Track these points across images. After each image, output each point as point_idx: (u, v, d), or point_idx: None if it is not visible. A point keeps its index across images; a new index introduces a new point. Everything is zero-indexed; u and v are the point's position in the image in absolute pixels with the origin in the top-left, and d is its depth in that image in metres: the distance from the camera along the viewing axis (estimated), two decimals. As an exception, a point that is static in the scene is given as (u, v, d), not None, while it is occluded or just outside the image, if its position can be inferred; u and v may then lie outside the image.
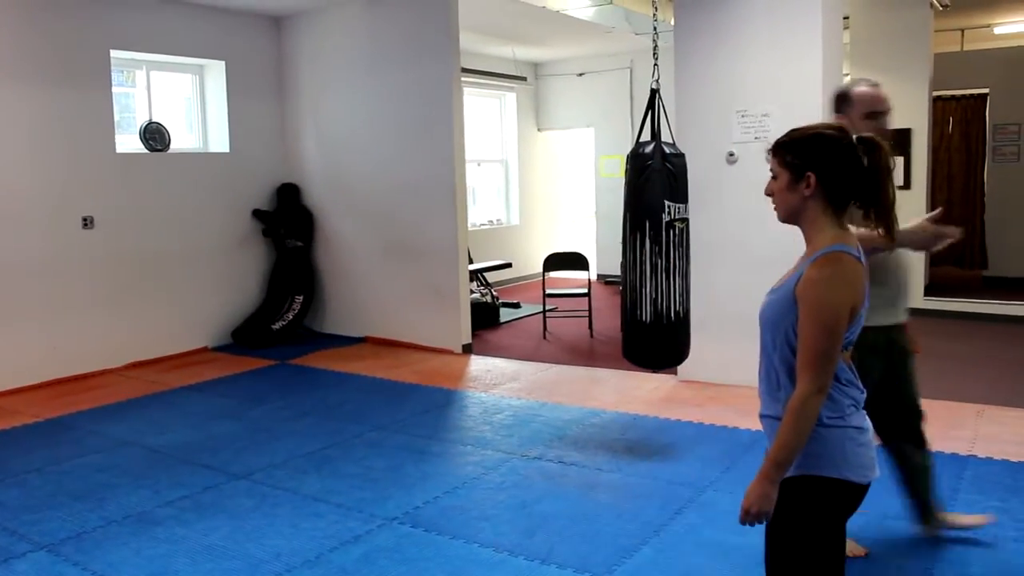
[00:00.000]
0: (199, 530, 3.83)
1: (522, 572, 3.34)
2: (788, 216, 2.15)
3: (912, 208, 8.30)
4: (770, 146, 2.17)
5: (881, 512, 3.64)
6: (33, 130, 6.49)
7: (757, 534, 3.58)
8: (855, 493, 2.07)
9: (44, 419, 5.71)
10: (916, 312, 8.56)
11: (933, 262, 9.00)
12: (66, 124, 6.66)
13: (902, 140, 8.34)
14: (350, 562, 3.47)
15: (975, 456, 4.48)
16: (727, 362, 5.87)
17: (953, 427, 4.95)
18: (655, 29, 4.90)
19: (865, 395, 2.14)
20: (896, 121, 8.27)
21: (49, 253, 6.61)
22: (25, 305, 6.49)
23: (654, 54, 4.79)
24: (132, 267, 7.14)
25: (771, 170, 2.15)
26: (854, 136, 2.09)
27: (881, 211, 2.10)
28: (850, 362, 2.11)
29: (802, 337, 1.99)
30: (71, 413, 5.79)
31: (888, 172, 2.09)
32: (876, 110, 3.20)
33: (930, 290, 8.51)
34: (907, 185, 8.36)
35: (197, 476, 4.52)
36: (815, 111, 5.42)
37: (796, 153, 2.08)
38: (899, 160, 8.36)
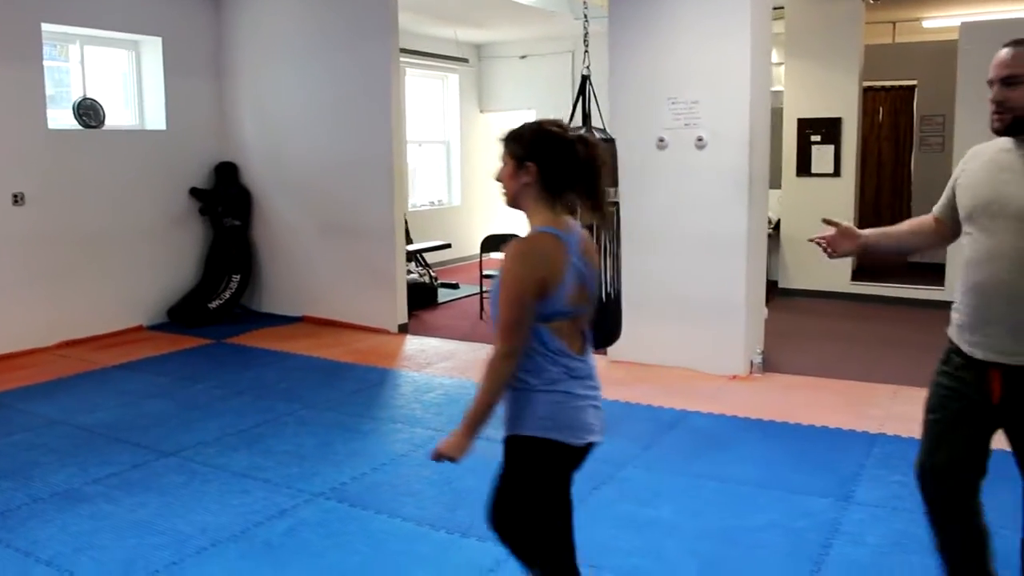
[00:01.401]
0: (126, 506, 3.87)
1: (442, 544, 3.45)
2: (512, 200, 2.37)
3: (840, 194, 8.59)
4: (501, 137, 2.38)
5: (788, 487, 3.80)
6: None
7: (669, 508, 3.75)
8: (566, 453, 2.32)
9: (-28, 397, 5.67)
10: (842, 296, 8.82)
11: (861, 248, 9.26)
12: (-5, 98, 6.57)
13: (832, 129, 8.57)
14: (275, 536, 3.55)
15: (884, 434, 4.68)
16: (657, 343, 6.03)
17: (867, 406, 5.17)
18: (585, 17, 5.01)
19: (588, 366, 2.37)
20: (827, 110, 8.58)
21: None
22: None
23: (584, 41, 4.90)
24: (64, 245, 7.07)
25: (500, 159, 2.36)
26: (573, 133, 2.32)
27: (595, 201, 2.33)
28: (571, 334, 2.32)
29: (498, 307, 2.21)
30: None
31: (600, 167, 2.32)
32: None
33: (857, 275, 8.78)
34: (837, 172, 8.60)
35: (127, 454, 4.54)
36: (742, 98, 5.59)
37: (520, 145, 2.31)
38: (829, 148, 8.60)
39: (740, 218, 5.67)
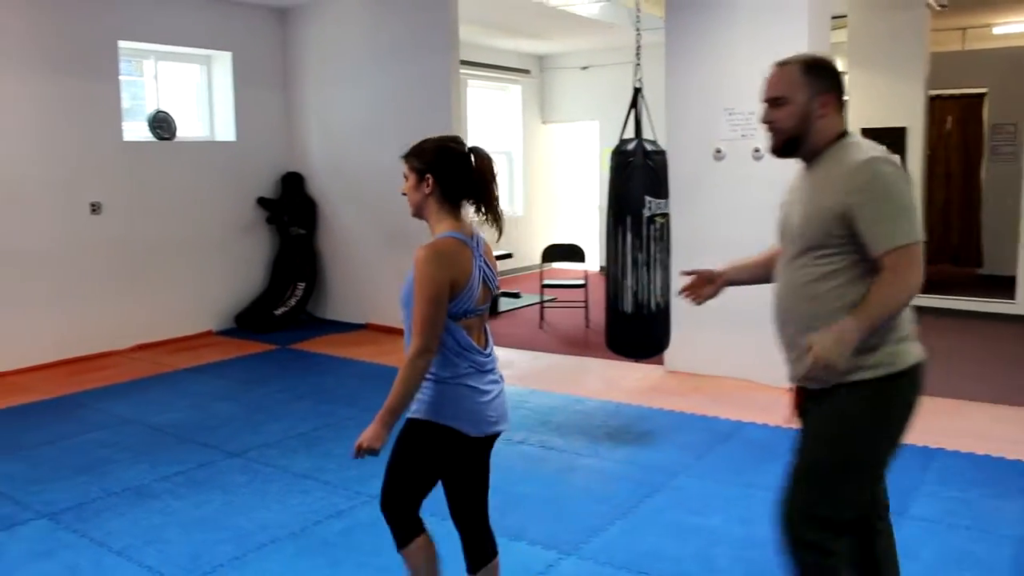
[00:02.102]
0: (193, 503, 4.03)
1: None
2: (415, 211, 2.58)
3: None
4: (403, 154, 2.61)
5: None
6: (44, 118, 6.70)
7: (719, 517, 3.77)
8: (466, 442, 2.51)
9: (53, 396, 5.94)
10: (911, 309, 8.67)
11: (929, 260, 9.09)
12: (75, 112, 6.87)
13: (897, 139, 8.45)
14: (331, 535, 3.67)
15: (943, 449, 4.62)
16: (713, 354, 6.03)
17: (926, 420, 5.09)
18: (638, 30, 5.06)
19: (491, 360, 2.56)
20: (892, 119, 8.45)
21: (59, 238, 6.83)
22: (37, 288, 6.72)
23: (637, 53, 4.95)
24: (139, 252, 7.35)
25: (404, 174, 2.58)
26: (467, 148, 2.55)
27: (489, 207, 2.55)
28: (477, 330, 2.53)
29: (414, 307, 2.38)
30: (78, 391, 6.02)
31: (492, 177, 2.55)
32: None
33: (926, 288, 8.62)
34: (902, 183, 8.47)
35: (194, 453, 4.72)
36: (800, 110, 5.56)
37: (420, 160, 2.53)
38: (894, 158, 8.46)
39: (797, 228, 5.64)
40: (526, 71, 11.80)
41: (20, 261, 6.64)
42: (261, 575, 3.37)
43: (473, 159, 2.53)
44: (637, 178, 4.58)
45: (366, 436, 2.43)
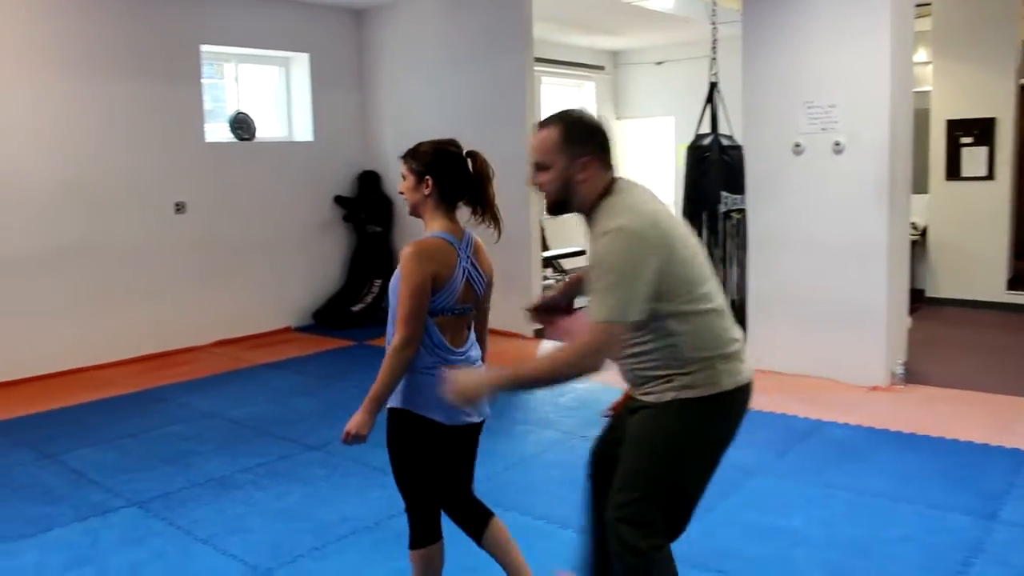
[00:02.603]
0: (273, 494, 4.13)
1: (570, 543, 3.51)
2: (412, 210, 2.71)
3: (994, 198, 8.18)
4: (402, 155, 2.72)
5: (925, 499, 3.69)
6: (131, 120, 6.93)
7: (799, 518, 3.69)
8: (441, 430, 2.63)
9: (138, 390, 6.14)
10: (996, 306, 8.38)
11: (1018, 255, 8.80)
12: (160, 115, 7.08)
13: (986, 130, 8.19)
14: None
15: (1035, 450, 4.48)
16: (793, 351, 5.92)
17: (1017, 422, 4.93)
18: (714, 24, 4.99)
19: (465, 359, 2.68)
20: (980, 110, 8.18)
21: (145, 236, 7.05)
22: (123, 285, 6.96)
23: (712, 47, 4.89)
24: (221, 250, 7.54)
25: (402, 174, 2.70)
26: (464, 151, 2.69)
27: (485, 207, 2.74)
28: (455, 329, 2.65)
29: (399, 300, 2.52)
30: (162, 386, 6.20)
31: (488, 179, 2.73)
32: None
33: (1013, 283, 8.35)
34: (990, 175, 8.21)
35: (274, 446, 4.83)
36: (882, 100, 5.43)
37: (419, 161, 2.65)
38: (982, 150, 8.21)
39: (880, 223, 5.51)
40: (600, 67, 11.75)
41: (107, 258, 6.88)
42: (340, 566, 3.43)
43: (470, 162, 2.69)
44: (713, 174, 4.54)
45: (353, 423, 2.55)
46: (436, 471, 2.75)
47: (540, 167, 2.43)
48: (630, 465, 2.46)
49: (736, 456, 4.42)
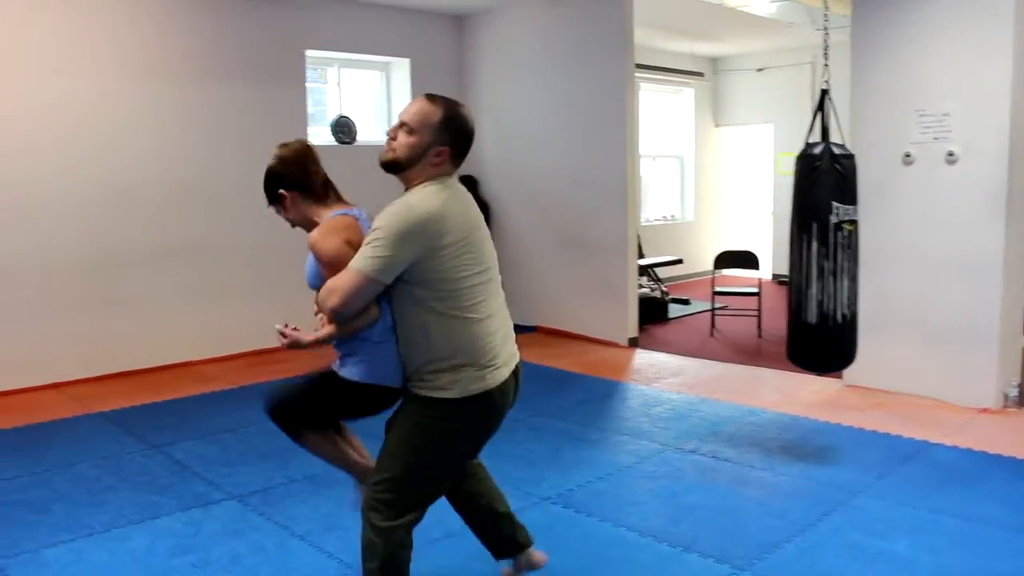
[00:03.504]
0: (370, 495, 4.17)
1: (664, 557, 3.47)
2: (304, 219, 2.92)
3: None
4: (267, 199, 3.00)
5: None
6: (238, 124, 7.16)
7: (904, 543, 3.56)
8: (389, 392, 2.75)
9: (239, 386, 6.32)
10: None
11: None
12: (265, 118, 7.28)
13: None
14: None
15: None
16: (898, 369, 5.74)
17: None
18: (825, 29, 4.87)
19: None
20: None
21: (250, 236, 7.25)
22: (229, 283, 7.19)
23: (824, 53, 4.77)
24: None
25: (277, 210, 2.98)
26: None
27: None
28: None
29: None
30: (262, 382, 6.34)
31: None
32: None
33: None
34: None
35: (372, 447, 4.86)
36: (1002, 108, 5.21)
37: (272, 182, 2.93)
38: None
39: (996, 237, 5.28)
40: (699, 73, 11.61)
41: (215, 257, 7.11)
42: (436, 569, 3.44)
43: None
44: (824, 183, 4.41)
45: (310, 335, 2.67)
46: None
47: (407, 129, 2.62)
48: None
49: (836, 474, 4.34)
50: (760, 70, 11.43)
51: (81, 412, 5.75)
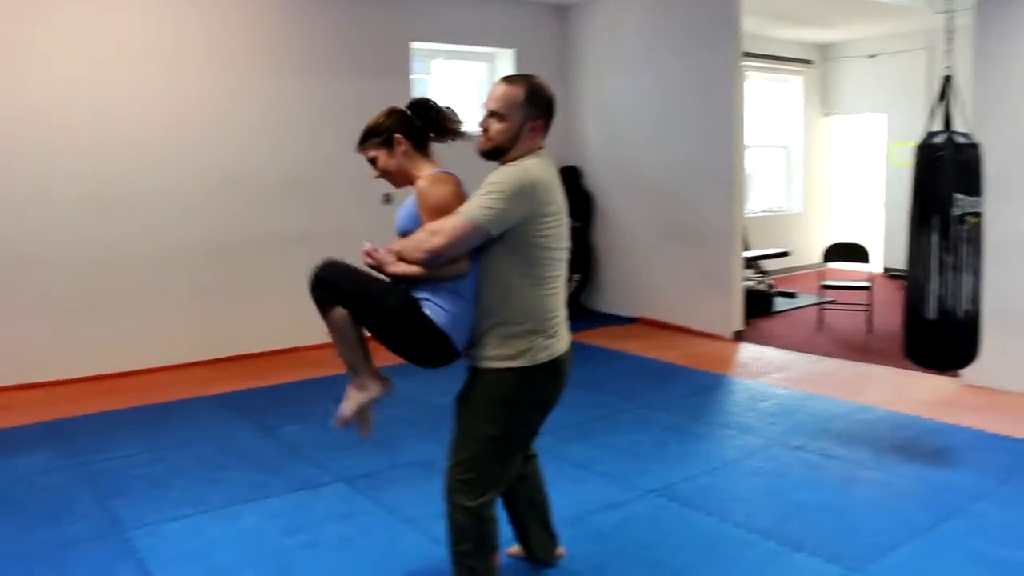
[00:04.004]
0: (474, 482, 4.20)
1: (771, 555, 3.40)
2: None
3: None
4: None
5: None
6: (344, 116, 7.24)
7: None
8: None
9: (344, 372, 6.41)
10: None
11: None
12: (371, 110, 7.33)
13: None
14: (607, 526, 3.70)
15: None
16: (1022, 368, 5.48)
17: None
18: (949, 12, 4.66)
19: None
20: None
21: (354, 226, 7.38)
22: (335, 271, 7.33)
23: (948, 38, 4.57)
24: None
25: (371, 158, 3.02)
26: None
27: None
28: None
29: None
30: (368, 369, 6.46)
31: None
32: None
33: None
34: None
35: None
36: None
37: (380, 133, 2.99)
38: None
39: None
40: (808, 61, 11.29)
41: (321, 246, 7.17)
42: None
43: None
44: (946, 174, 4.22)
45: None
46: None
47: (497, 116, 2.72)
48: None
49: (953, 478, 4.18)
50: (872, 56, 11.03)
51: (195, 394, 5.97)
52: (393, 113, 2.95)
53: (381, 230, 7.36)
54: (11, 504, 4.10)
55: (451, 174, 2.88)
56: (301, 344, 7.23)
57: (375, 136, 2.95)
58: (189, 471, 4.47)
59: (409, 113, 2.96)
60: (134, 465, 4.57)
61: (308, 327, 7.15)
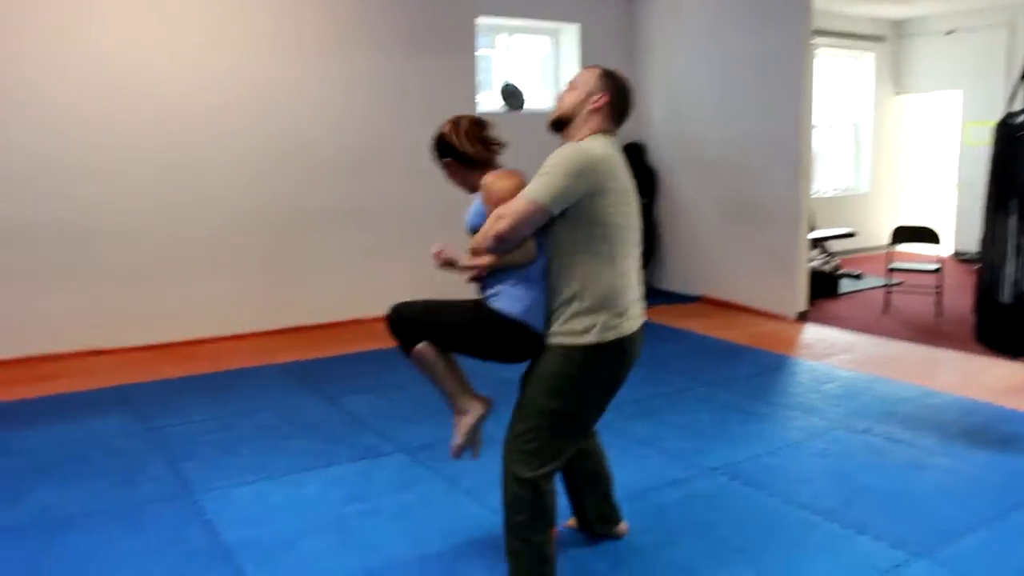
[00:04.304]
0: (534, 456, 4.22)
1: (836, 537, 3.36)
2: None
3: None
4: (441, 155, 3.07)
5: None
6: (407, 92, 7.34)
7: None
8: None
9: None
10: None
11: None
12: (434, 86, 7.43)
13: None
14: (668, 503, 3.69)
15: None
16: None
17: None
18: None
19: None
20: None
21: (415, 200, 7.46)
22: (392, 244, 7.43)
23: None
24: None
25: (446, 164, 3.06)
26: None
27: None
28: None
29: None
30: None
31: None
32: None
33: None
34: None
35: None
36: None
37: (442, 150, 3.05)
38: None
39: None
40: (881, 38, 11.00)
41: (380, 220, 7.34)
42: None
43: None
44: (1027, 154, 4.10)
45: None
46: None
47: (571, 87, 2.83)
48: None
49: (1020, 464, 4.07)
50: (949, 33, 10.70)
51: (260, 363, 6.08)
52: (437, 137, 3.05)
53: (439, 205, 7.45)
54: (88, 464, 4.23)
55: (515, 171, 2.94)
56: (363, 315, 7.30)
57: (436, 155, 3.08)
58: (254, 438, 4.56)
59: (450, 136, 3.01)
60: (202, 431, 4.68)
61: (370, 299, 7.30)
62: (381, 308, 7.32)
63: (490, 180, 2.86)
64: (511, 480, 2.78)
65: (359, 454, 4.32)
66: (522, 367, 2.93)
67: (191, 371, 5.88)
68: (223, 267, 6.78)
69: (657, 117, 8.44)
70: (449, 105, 7.51)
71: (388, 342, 6.41)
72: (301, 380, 5.65)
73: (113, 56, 6.22)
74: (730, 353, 6.27)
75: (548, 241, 2.74)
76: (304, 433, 4.65)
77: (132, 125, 6.34)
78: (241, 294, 6.87)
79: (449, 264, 2.86)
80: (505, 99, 7.94)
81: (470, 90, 7.64)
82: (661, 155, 8.47)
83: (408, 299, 3.06)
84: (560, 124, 2.82)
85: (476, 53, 7.71)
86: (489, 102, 7.99)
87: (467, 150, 2.97)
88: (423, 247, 7.34)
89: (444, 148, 3.02)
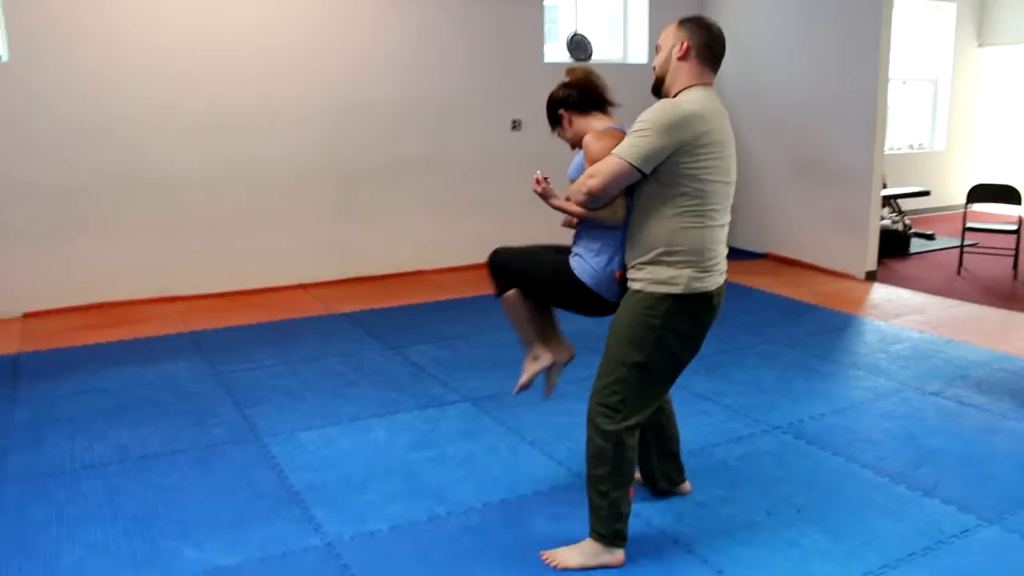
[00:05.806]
0: (597, 409, 4.23)
1: (902, 499, 3.31)
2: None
3: None
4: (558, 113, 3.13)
5: None
6: (473, 42, 7.28)
7: None
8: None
9: (470, 295, 6.54)
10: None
11: None
12: (501, 36, 7.35)
13: None
14: (731, 458, 3.68)
15: None
16: None
17: None
18: None
19: None
20: None
21: (481, 152, 7.43)
22: (459, 197, 7.44)
23: None
24: (551, 167, 7.72)
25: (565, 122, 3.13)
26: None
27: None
28: None
29: None
30: (487, 295, 6.52)
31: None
32: None
33: None
34: None
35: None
36: None
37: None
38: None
39: None
40: (964, -12, 10.60)
41: (447, 172, 7.35)
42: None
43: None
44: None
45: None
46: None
47: (657, 49, 2.83)
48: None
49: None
50: (1037, -17, 10.26)
51: (325, 312, 6.17)
52: (551, 96, 3.09)
53: (507, 158, 7.43)
54: (160, 406, 4.36)
55: (618, 129, 2.92)
56: (426, 267, 7.36)
57: (550, 117, 3.12)
58: (320, 385, 4.65)
59: (566, 86, 3.06)
60: (269, 376, 4.78)
61: (432, 250, 7.35)
62: (445, 261, 7.43)
63: (590, 139, 2.88)
64: (595, 432, 2.80)
65: (425, 402, 4.38)
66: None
67: (260, 319, 6.00)
68: (293, 219, 6.87)
69: (726, 70, 8.20)
70: (516, 56, 7.50)
71: (452, 293, 6.53)
72: (367, 329, 5.73)
73: (198, 17, 6.29)
74: (795, 311, 6.18)
75: (640, 194, 2.73)
76: (370, 380, 4.73)
77: (217, 83, 6.45)
78: (309, 245, 6.96)
79: (544, 196, 2.94)
80: (572, 50, 7.85)
81: (537, 40, 7.55)
82: (730, 108, 8.22)
83: (506, 246, 3.20)
84: (658, 87, 2.81)
85: (544, 3, 7.61)
86: (556, 53, 7.90)
87: (587, 86, 3.03)
88: (487, 201, 7.44)
89: (560, 99, 3.05)
